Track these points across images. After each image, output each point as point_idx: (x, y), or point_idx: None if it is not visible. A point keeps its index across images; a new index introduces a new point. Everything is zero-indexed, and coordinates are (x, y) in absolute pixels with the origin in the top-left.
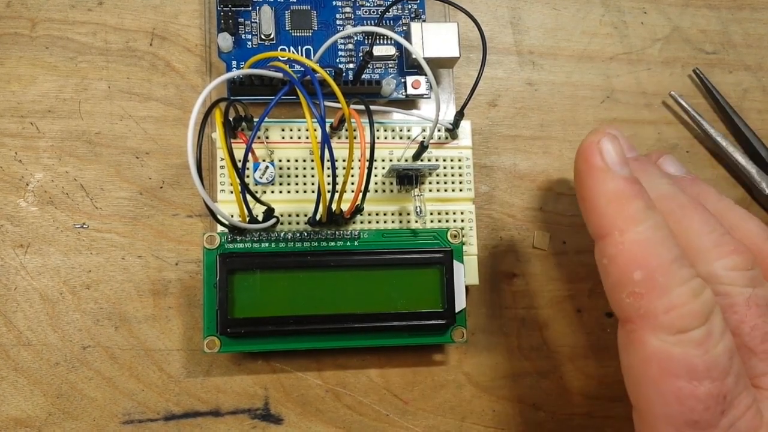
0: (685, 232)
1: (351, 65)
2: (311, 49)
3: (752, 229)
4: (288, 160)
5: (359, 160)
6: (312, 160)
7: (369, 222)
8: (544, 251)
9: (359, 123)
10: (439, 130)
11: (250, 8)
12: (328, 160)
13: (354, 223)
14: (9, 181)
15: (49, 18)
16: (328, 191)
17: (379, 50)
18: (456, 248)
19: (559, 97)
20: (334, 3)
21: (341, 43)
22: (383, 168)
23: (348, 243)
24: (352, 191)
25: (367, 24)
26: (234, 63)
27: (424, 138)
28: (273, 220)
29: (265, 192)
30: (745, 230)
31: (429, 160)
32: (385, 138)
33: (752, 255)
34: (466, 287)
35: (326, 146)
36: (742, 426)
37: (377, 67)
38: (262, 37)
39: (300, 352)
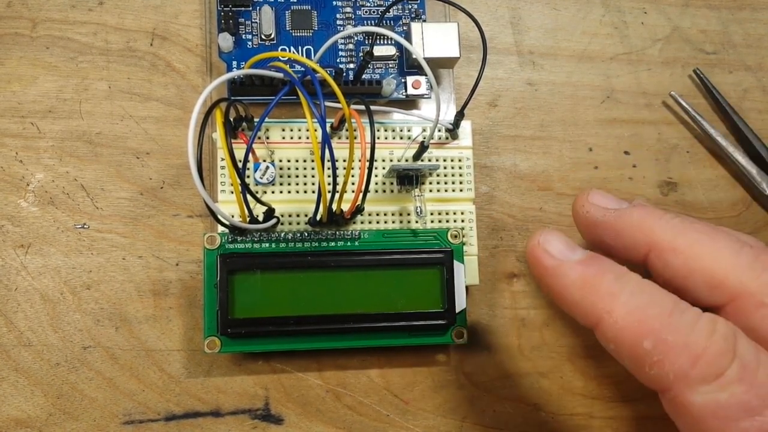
0: (719, 257)
1: (351, 65)
2: (312, 49)
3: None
4: (288, 161)
5: (360, 161)
6: (312, 161)
7: (369, 222)
8: None
9: (359, 123)
10: (439, 131)
11: (251, 8)
12: (328, 160)
13: (354, 223)
14: (10, 182)
15: (49, 18)
16: (329, 191)
17: (379, 50)
18: (456, 248)
19: (559, 97)
20: (334, 3)
21: (341, 43)
22: (383, 168)
23: (348, 243)
24: (353, 191)
25: (368, 24)
26: (234, 63)
27: (424, 138)
28: (273, 221)
29: (265, 192)
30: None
31: (429, 161)
32: (386, 138)
33: None
34: (467, 287)
35: (327, 146)
36: None
37: (377, 67)
38: (263, 37)
39: (300, 353)
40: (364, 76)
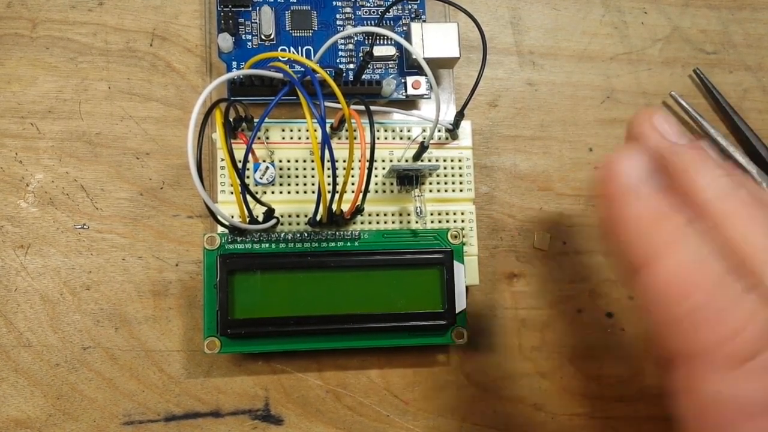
0: (750, 236)
1: (351, 65)
2: (311, 49)
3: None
4: (288, 161)
5: (359, 161)
6: (312, 161)
7: (369, 222)
8: (545, 251)
9: (359, 123)
10: (439, 131)
11: (251, 8)
12: (328, 161)
13: (354, 223)
14: (9, 182)
15: (49, 18)
16: (329, 192)
17: (379, 50)
18: (456, 249)
19: (559, 97)
20: (334, 3)
21: (341, 44)
22: (383, 168)
23: (348, 243)
24: (353, 192)
25: (368, 24)
26: (234, 63)
27: (424, 138)
28: (273, 221)
29: (265, 192)
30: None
31: (429, 161)
32: (386, 138)
33: None
34: (467, 288)
35: (326, 147)
36: None
37: (377, 68)
38: (263, 37)
39: (300, 353)
40: (364, 77)
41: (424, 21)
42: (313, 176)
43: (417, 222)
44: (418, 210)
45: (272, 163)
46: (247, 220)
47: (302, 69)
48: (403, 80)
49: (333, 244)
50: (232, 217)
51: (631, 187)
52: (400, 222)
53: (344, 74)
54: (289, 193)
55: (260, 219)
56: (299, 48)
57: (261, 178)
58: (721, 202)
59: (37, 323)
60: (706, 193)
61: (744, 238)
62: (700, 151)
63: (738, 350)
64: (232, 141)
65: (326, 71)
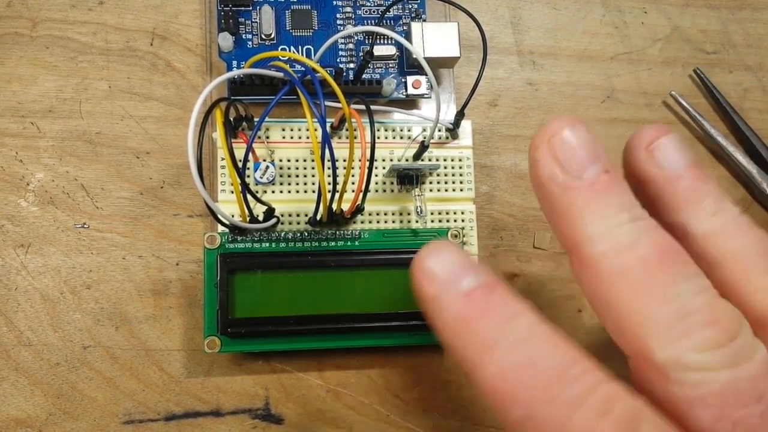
0: (644, 306)
1: (351, 65)
2: (312, 48)
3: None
4: (288, 160)
5: (360, 160)
6: (312, 160)
7: (369, 222)
8: (545, 251)
9: (360, 123)
10: (439, 130)
11: (251, 8)
12: (328, 160)
13: (354, 223)
14: (10, 181)
15: (49, 18)
16: (329, 191)
17: (379, 50)
18: None
19: (559, 97)
20: (334, 3)
21: (342, 43)
22: (384, 168)
23: (348, 243)
24: (353, 191)
25: (368, 24)
26: (234, 63)
27: (424, 138)
28: (273, 220)
29: (265, 192)
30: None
31: (429, 160)
32: (386, 138)
33: (736, 315)
34: None
35: (327, 146)
36: None
37: (378, 67)
38: (263, 36)
39: (300, 352)
40: (364, 76)
41: (425, 20)
42: (313, 176)
43: (417, 221)
44: (419, 209)
45: (272, 162)
46: (248, 219)
47: (302, 68)
48: (403, 80)
49: (333, 243)
50: (233, 216)
51: (439, 291)
52: (401, 221)
53: (344, 74)
54: (289, 192)
55: (260, 218)
56: (299, 47)
57: (261, 178)
58: (621, 256)
59: (38, 322)
60: (604, 244)
61: (638, 310)
62: (610, 184)
63: None
64: (233, 140)
65: (326, 71)
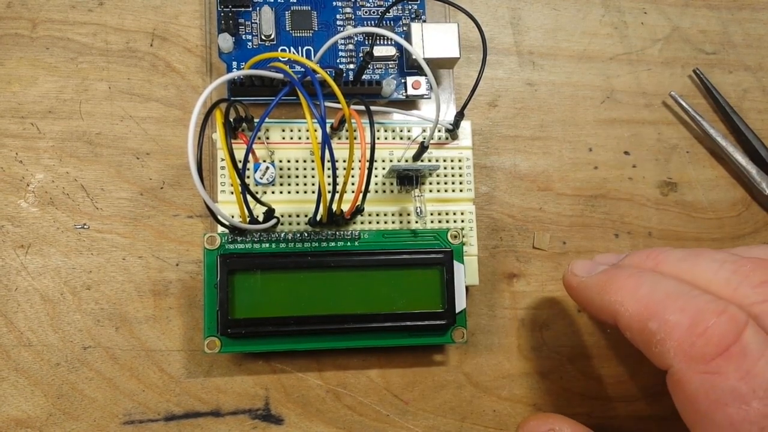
0: (699, 277)
1: (351, 66)
2: (311, 49)
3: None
4: (288, 161)
5: (359, 161)
6: (312, 161)
7: (369, 222)
8: (544, 251)
9: (359, 123)
10: (439, 131)
11: (251, 9)
12: (328, 161)
13: (354, 223)
14: (10, 182)
15: (49, 18)
16: (329, 192)
17: (379, 51)
18: (456, 249)
19: (559, 97)
20: (334, 3)
21: (341, 44)
22: (383, 168)
23: (348, 243)
24: (353, 192)
25: (368, 24)
26: (234, 64)
27: (424, 138)
28: (273, 221)
29: (265, 192)
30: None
31: (429, 161)
32: (386, 138)
33: None
34: (467, 287)
35: (326, 147)
36: None
37: (377, 68)
38: (263, 37)
39: (300, 353)
40: (364, 77)
41: (424, 21)
42: (313, 176)
43: (417, 222)
44: (418, 210)
45: (272, 163)
46: (248, 220)
47: (302, 69)
48: (403, 80)
49: (333, 244)
50: (233, 217)
51: (582, 278)
52: (400, 222)
53: (344, 74)
54: (289, 193)
55: (260, 219)
56: (299, 48)
57: (261, 178)
58: (666, 265)
59: (38, 323)
60: (648, 265)
61: (695, 281)
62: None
63: (705, 348)
64: (233, 141)
65: (326, 71)
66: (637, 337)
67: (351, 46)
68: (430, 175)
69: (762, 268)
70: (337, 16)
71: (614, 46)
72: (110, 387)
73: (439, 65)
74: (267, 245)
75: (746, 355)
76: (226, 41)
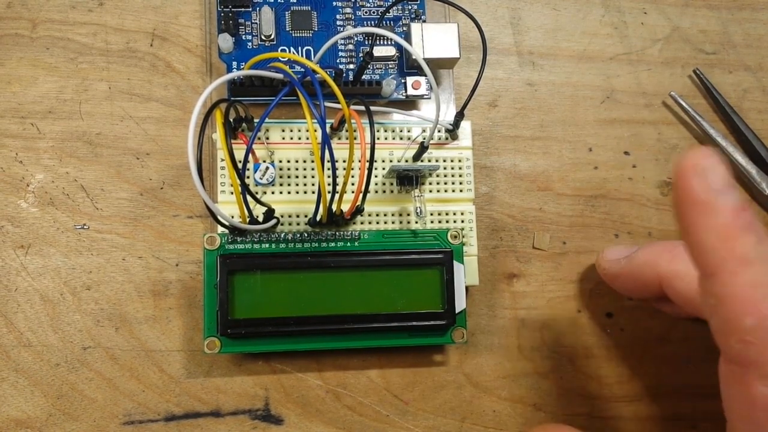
0: None
1: (351, 66)
2: (311, 49)
3: None
4: (288, 161)
5: (359, 161)
6: (312, 161)
7: (369, 223)
8: (544, 252)
9: (359, 124)
10: (439, 131)
11: (251, 9)
12: (328, 161)
13: (354, 223)
14: (10, 182)
15: (49, 19)
16: (329, 192)
17: (379, 51)
18: (456, 249)
19: (559, 97)
20: (334, 4)
21: (341, 44)
22: (383, 169)
23: (348, 244)
24: (353, 192)
25: (368, 25)
26: (234, 64)
27: (424, 138)
28: (273, 221)
29: (265, 193)
30: None
31: (429, 161)
32: (386, 138)
33: None
34: (467, 288)
35: (326, 147)
36: None
37: (377, 68)
38: (263, 37)
39: (300, 353)
40: (363, 77)
41: (424, 21)
42: (313, 176)
43: (417, 222)
44: (418, 210)
45: (272, 163)
46: (247, 220)
47: (302, 69)
48: (403, 80)
49: (333, 244)
50: (232, 217)
51: (712, 198)
52: (400, 222)
53: (344, 74)
54: (289, 193)
55: (260, 219)
56: (299, 48)
57: (261, 179)
58: (683, 262)
59: (38, 323)
60: (669, 262)
61: None
62: (650, 243)
63: None
64: (233, 141)
65: (326, 71)
66: (722, 315)
67: (351, 46)
68: (430, 175)
69: None
70: (337, 16)
71: (614, 46)
72: (110, 387)
73: (439, 65)
74: (267, 245)
75: None
76: (226, 41)
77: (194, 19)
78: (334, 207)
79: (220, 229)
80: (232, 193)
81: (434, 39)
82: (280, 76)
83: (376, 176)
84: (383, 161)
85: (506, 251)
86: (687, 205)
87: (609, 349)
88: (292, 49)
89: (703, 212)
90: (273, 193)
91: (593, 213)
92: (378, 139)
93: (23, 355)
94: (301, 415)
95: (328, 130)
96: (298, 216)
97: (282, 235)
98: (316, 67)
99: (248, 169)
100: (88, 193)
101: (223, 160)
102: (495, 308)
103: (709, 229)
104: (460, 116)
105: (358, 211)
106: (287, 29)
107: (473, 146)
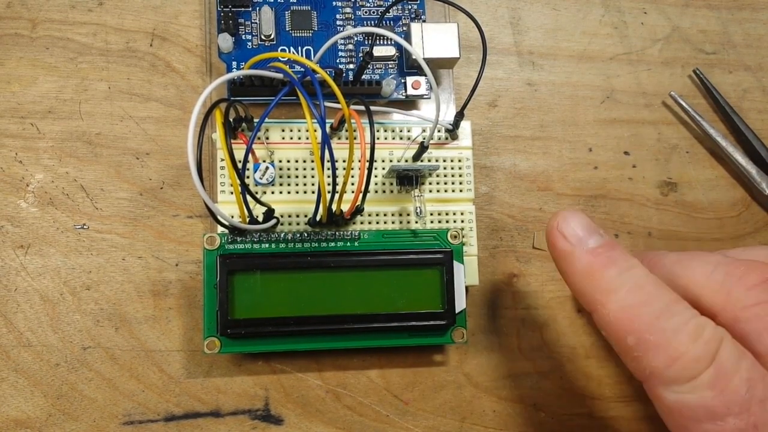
0: (692, 281)
1: (351, 66)
2: (311, 49)
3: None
4: (288, 161)
5: (359, 161)
6: (312, 161)
7: (369, 222)
8: (544, 251)
9: (359, 123)
10: (439, 131)
11: (251, 9)
12: (328, 161)
13: (354, 223)
14: (9, 182)
15: (49, 18)
16: (328, 192)
17: (379, 51)
18: (456, 249)
19: (559, 97)
20: (334, 3)
21: (341, 44)
22: (383, 168)
23: (348, 244)
24: (352, 192)
25: (367, 24)
26: (234, 63)
27: (424, 138)
28: (273, 221)
29: (265, 193)
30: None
31: (429, 161)
32: (385, 138)
33: (765, 266)
34: (466, 288)
35: (326, 147)
36: None
37: (377, 68)
38: (263, 37)
39: (300, 353)
40: (363, 77)
41: (424, 21)
42: (313, 176)
43: (417, 222)
44: (418, 210)
45: (272, 163)
46: (247, 220)
47: (302, 69)
48: (402, 80)
49: (333, 244)
50: (232, 217)
51: (571, 247)
52: (400, 222)
53: (344, 74)
54: (289, 193)
55: (260, 219)
56: (299, 48)
57: (261, 179)
58: (659, 269)
59: (37, 323)
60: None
61: (688, 284)
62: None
63: (681, 371)
64: (232, 141)
65: (326, 71)
66: (613, 343)
67: (351, 46)
68: (430, 175)
69: (755, 270)
70: (337, 16)
71: (614, 46)
72: (110, 387)
73: (438, 65)
74: (267, 245)
75: (720, 374)
76: (226, 41)
77: (194, 18)
78: (334, 207)
79: (220, 229)
80: (231, 193)
81: (434, 39)
82: (280, 75)
83: (375, 176)
84: (383, 161)
85: (506, 251)
86: (558, 259)
87: (609, 349)
88: (291, 48)
89: (570, 261)
90: (273, 193)
91: (593, 213)
92: (378, 139)
93: (23, 355)
94: (301, 415)
95: (328, 130)
96: (297, 216)
97: (282, 235)
98: (316, 67)
99: (248, 169)
100: (87, 193)
101: (222, 160)
102: (495, 308)
103: (577, 273)
104: (460, 116)
105: (357, 211)
106: (287, 29)
107: (473, 146)
